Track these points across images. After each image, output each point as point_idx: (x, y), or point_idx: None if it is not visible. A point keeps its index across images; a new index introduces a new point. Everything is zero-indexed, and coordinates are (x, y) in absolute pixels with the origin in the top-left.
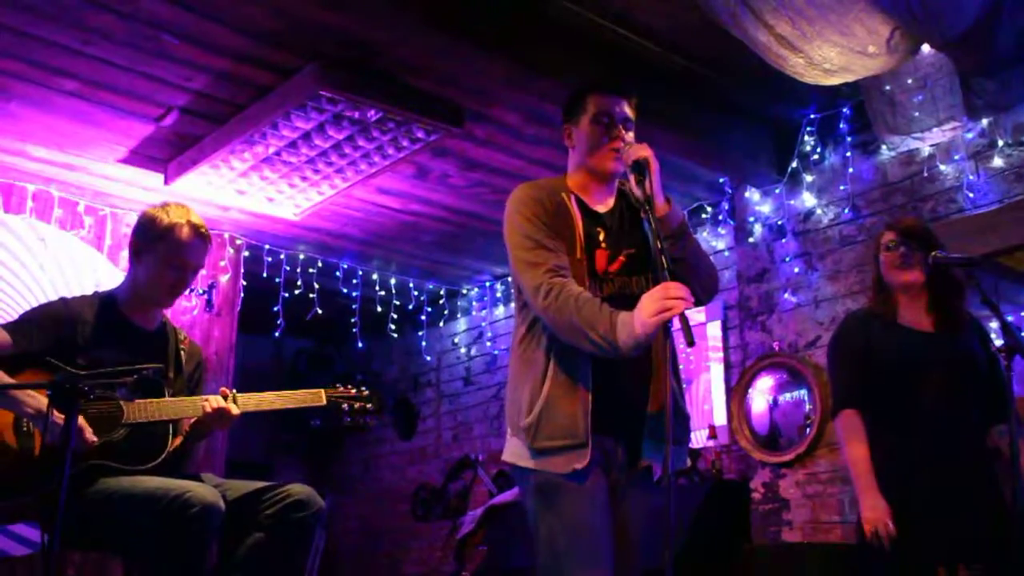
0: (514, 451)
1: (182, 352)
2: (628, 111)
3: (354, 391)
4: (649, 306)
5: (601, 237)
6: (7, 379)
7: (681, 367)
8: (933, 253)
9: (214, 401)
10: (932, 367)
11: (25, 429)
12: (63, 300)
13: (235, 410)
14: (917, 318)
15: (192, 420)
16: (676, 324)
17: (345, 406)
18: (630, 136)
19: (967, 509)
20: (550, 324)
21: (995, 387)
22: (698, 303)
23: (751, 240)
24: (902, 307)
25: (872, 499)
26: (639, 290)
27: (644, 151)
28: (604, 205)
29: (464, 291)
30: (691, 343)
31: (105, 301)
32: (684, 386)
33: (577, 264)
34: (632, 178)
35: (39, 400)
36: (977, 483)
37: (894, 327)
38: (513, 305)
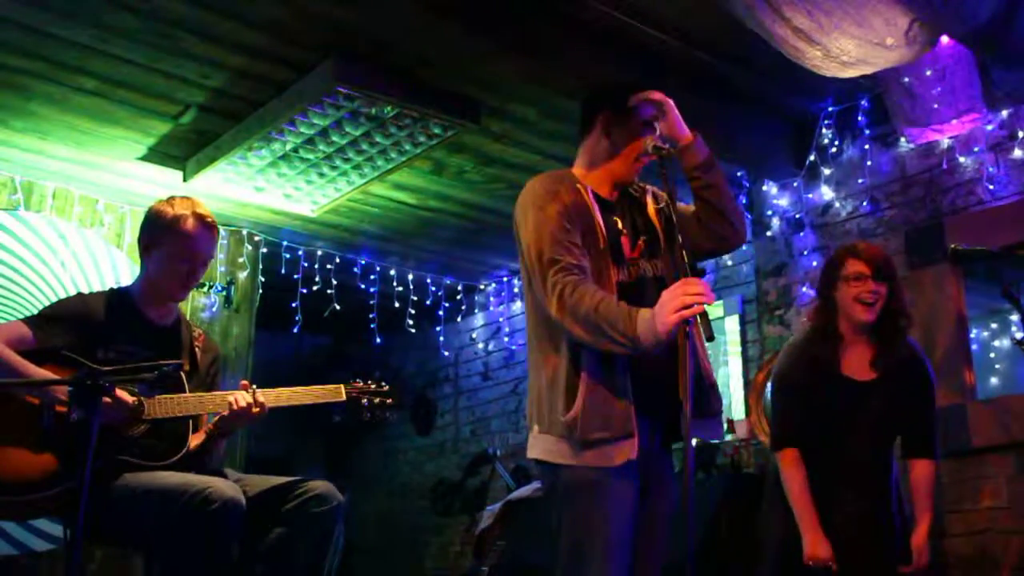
0: (547, 447)
1: (197, 348)
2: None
3: (373, 386)
4: (670, 303)
5: (620, 225)
6: (32, 368)
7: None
8: (953, 245)
9: (242, 398)
10: (864, 417)
11: (47, 424)
12: (81, 296)
13: (257, 408)
14: (858, 361)
15: (216, 418)
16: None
17: (364, 401)
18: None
19: (881, 547)
20: (564, 323)
21: (923, 426)
22: (730, 248)
23: (769, 234)
24: (845, 349)
25: (816, 536)
26: (659, 271)
27: (653, 96)
28: (612, 194)
29: (481, 286)
30: (710, 338)
31: (121, 296)
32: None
33: (602, 254)
34: (662, 173)
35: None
36: (890, 523)
37: (835, 377)
38: (526, 298)
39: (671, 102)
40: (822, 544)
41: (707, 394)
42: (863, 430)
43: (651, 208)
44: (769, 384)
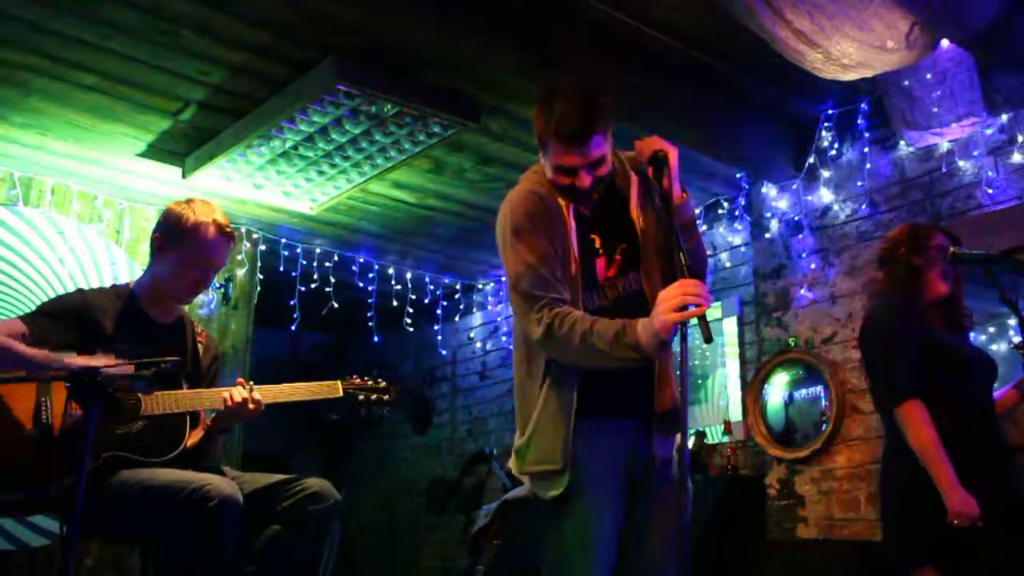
0: (515, 467)
1: (199, 345)
2: (597, 150)
3: (370, 382)
4: (668, 302)
5: (597, 244)
6: (30, 351)
7: (695, 363)
8: (952, 249)
9: (237, 394)
10: (973, 362)
11: (44, 420)
12: (81, 292)
13: (260, 398)
14: (939, 321)
15: (214, 414)
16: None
17: (361, 397)
18: (602, 171)
19: (1008, 506)
20: (555, 355)
21: None
22: None
23: (768, 236)
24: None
25: (961, 493)
26: (636, 285)
27: (659, 144)
28: (592, 206)
29: (480, 285)
30: (709, 340)
31: (123, 294)
32: (687, 381)
33: (572, 280)
34: (650, 171)
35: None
36: (1012, 478)
37: (935, 328)
38: (512, 311)
39: (675, 155)
40: (969, 500)
41: (675, 412)
42: (977, 382)
43: (634, 206)
44: (872, 342)
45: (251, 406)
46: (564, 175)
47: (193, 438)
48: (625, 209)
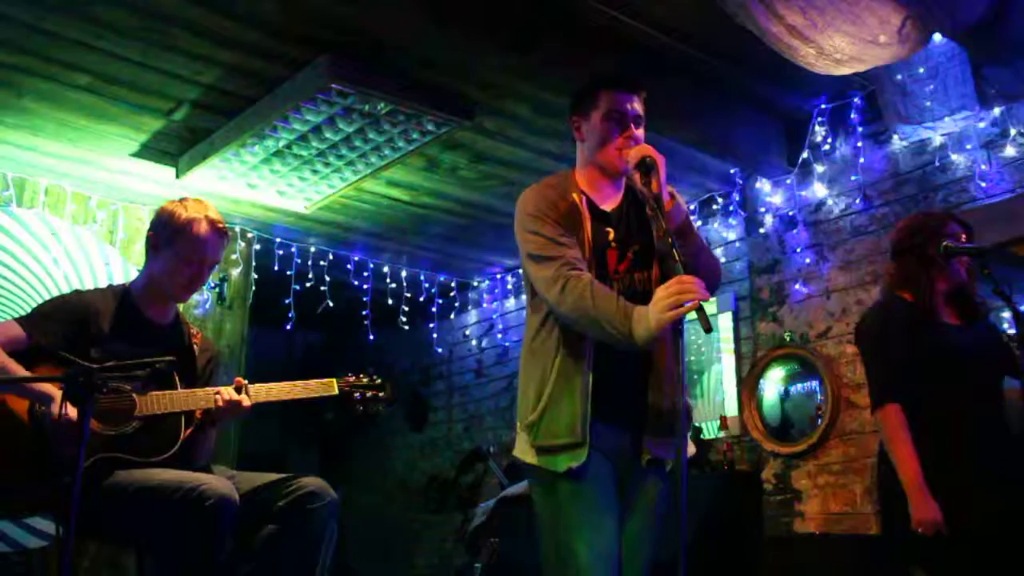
0: (521, 447)
1: (195, 346)
2: (639, 108)
3: (365, 380)
4: (664, 300)
5: (611, 237)
6: (21, 371)
7: (691, 358)
8: (944, 243)
9: (226, 393)
10: (972, 360)
11: (39, 421)
12: (77, 293)
13: (247, 402)
14: (947, 312)
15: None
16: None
17: (357, 395)
18: (640, 132)
19: (1009, 504)
20: (564, 316)
21: (1014, 361)
22: None
23: (762, 231)
24: (938, 303)
25: (924, 500)
26: (642, 286)
27: (647, 150)
28: (612, 202)
29: (475, 283)
30: (708, 330)
31: (119, 295)
32: (684, 380)
33: (587, 264)
34: (637, 177)
35: (49, 389)
36: (1012, 477)
37: (937, 322)
38: (524, 298)
39: (663, 162)
40: (932, 508)
41: (671, 414)
42: (975, 378)
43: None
44: (862, 343)
45: (243, 406)
46: (616, 123)
47: (186, 437)
48: (643, 215)
